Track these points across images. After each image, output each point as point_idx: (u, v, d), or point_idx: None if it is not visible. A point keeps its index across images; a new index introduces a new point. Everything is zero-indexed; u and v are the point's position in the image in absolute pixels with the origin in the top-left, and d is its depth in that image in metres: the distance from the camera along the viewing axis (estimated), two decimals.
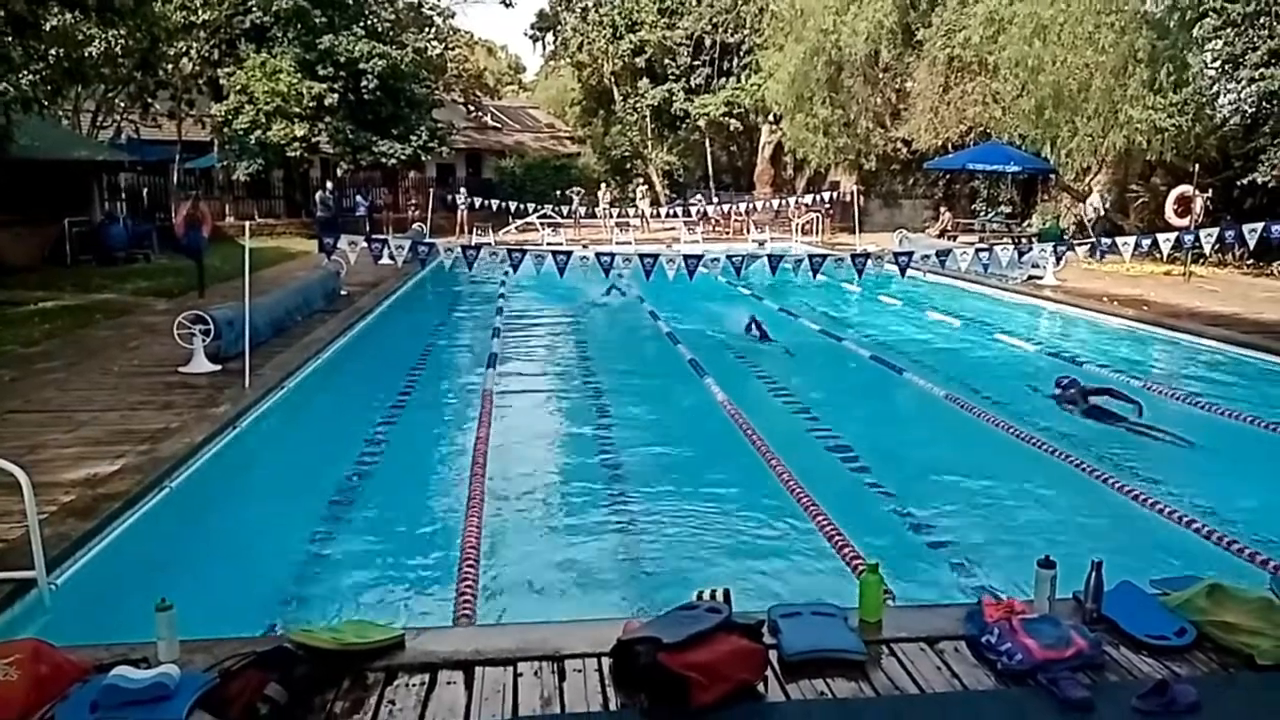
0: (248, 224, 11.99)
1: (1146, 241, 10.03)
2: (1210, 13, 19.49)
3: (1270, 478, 7.09)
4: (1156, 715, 3.11)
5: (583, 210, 30.90)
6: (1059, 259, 12.27)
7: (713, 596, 3.76)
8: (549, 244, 24.87)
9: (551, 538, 6.05)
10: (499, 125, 46.05)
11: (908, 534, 6.09)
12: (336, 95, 28.49)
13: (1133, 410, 8.35)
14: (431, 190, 29.53)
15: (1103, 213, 22.36)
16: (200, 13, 27.18)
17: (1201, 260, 19.04)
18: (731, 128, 36.58)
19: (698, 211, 29.88)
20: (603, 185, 36.33)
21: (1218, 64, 20.73)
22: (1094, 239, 10.13)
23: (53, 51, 15.90)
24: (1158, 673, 3.38)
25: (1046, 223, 24.59)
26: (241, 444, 7.69)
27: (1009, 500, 6.68)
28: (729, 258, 9.07)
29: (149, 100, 24.12)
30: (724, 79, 35.47)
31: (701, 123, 35.91)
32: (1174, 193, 20.19)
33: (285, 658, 3.30)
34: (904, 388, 10.17)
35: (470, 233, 28.78)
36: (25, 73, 15.67)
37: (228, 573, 5.43)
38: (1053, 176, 24.85)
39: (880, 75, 28.16)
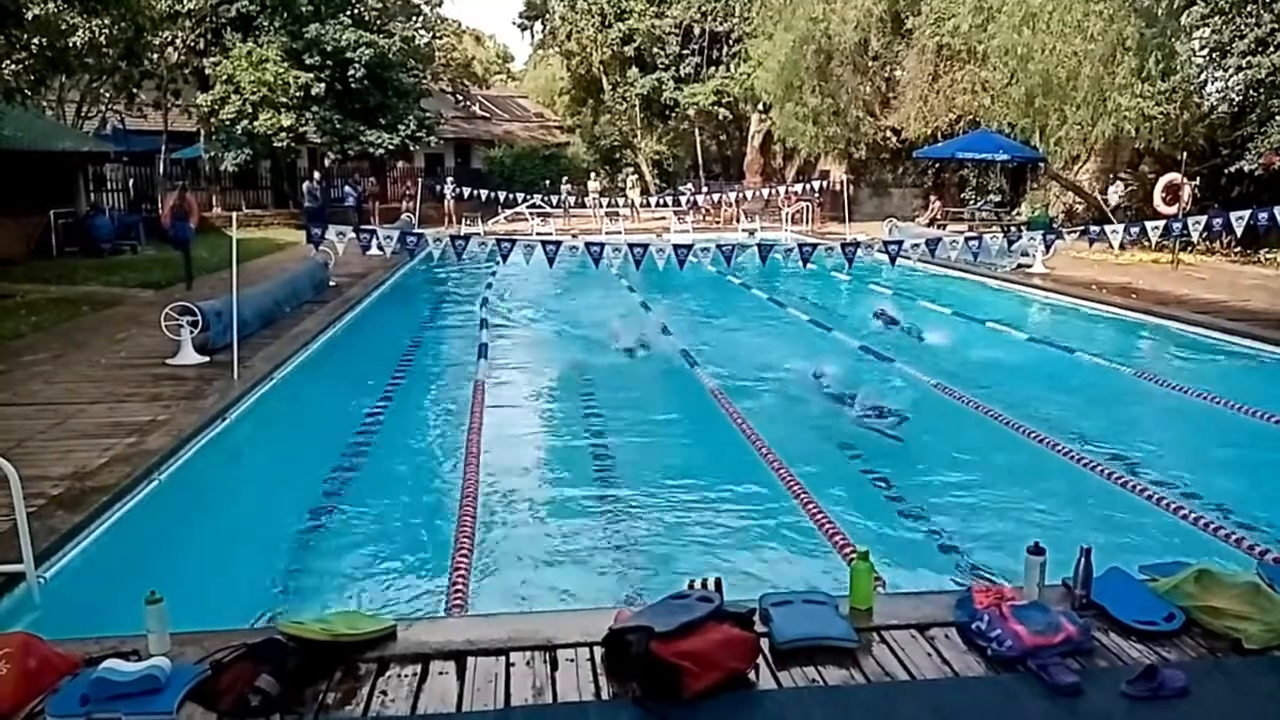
0: (235, 215, 11.89)
1: (1135, 229, 10.07)
2: (1198, 0, 19.52)
3: (1258, 464, 7.15)
4: (1145, 700, 3.13)
5: (572, 200, 30.83)
6: (1048, 247, 12.34)
7: (704, 585, 3.77)
8: (538, 234, 24.80)
9: (544, 527, 6.05)
10: (487, 115, 45.84)
11: (897, 519, 6.12)
12: (323, 85, 28.30)
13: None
14: (419, 180, 29.41)
15: (1125, 200, 22.33)
16: (185, 1, 26.95)
17: (1189, 248, 19.12)
18: (721, 117, 36.48)
19: (687, 201, 29.85)
20: (592, 175, 36.21)
21: (1205, 52, 20.77)
22: (1119, 226, 10.14)
23: (35, 41, 15.72)
24: (1146, 658, 3.41)
25: (1035, 211, 24.65)
26: (230, 436, 7.66)
27: (998, 486, 6.71)
28: (719, 247, 9.04)
29: (134, 90, 23.89)
30: (713, 68, 35.35)
31: (691, 112, 35.79)
32: (1162, 181, 20.26)
33: (276, 649, 3.29)
34: (894, 376, 10.20)
35: (459, 223, 28.69)
36: (8, 63, 15.51)
37: (218, 565, 5.42)
38: (1042, 165, 24.90)
39: (870, 64, 28.12)
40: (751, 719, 3.09)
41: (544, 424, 8.94)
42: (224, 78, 27.48)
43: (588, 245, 8.82)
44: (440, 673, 3.37)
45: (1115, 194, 22.73)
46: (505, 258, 8.95)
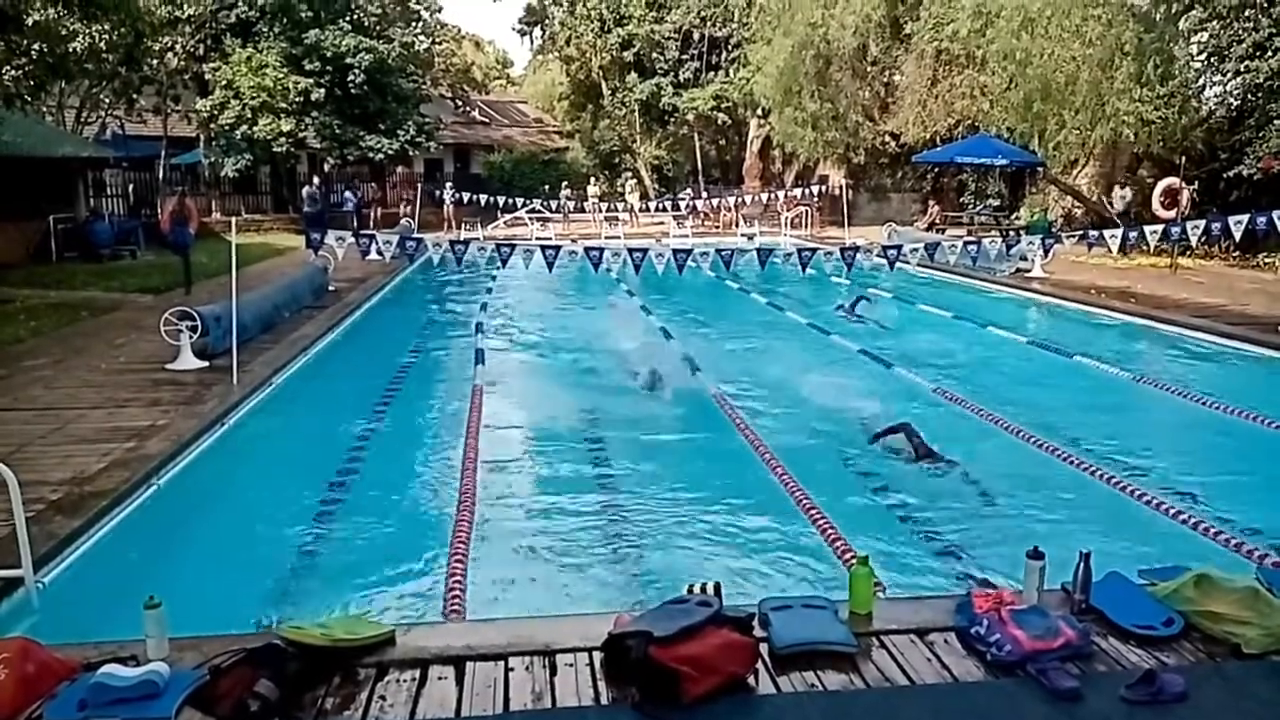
0: (234, 220, 11.89)
1: (1134, 234, 10.09)
2: (1196, 5, 19.57)
3: (1257, 468, 7.15)
4: (1144, 705, 3.13)
5: (571, 205, 30.86)
6: (1046, 251, 12.36)
7: (703, 590, 3.77)
8: (538, 239, 24.80)
9: (543, 530, 6.04)
10: (487, 120, 45.89)
11: (896, 523, 6.11)
12: (323, 90, 28.34)
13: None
14: (419, 185, 29.45)
15: (1129, 202, 22.32)
16: (185, 7, 26.97)
17: (1188, 252, 19.14)
18: (720, 122, 36.50)
19: (687, 206, 29.90)
20: (591, 179, 36.25)
21: (1204, 56, 20.83)
22: (1118, 231, 10.14)
23: (35, 47, 15.74)
24: (1145, 662, 3.41)
25: (1034, 215, 24.67)
26: (229, 441, 7.65)
27: (997, 490, 6.71)
28: (718, 252, 9.05)
29: (134, 96, 23.92)
30: (712, 73, 35.39)
31: (690, 117, 35.84)
32: (1161, 185, 20.29)
33: (276, 654, 3.29)
34: (893, 380, 10.20)
35: (458, 228, 28.72)
36: (8, 68, 15.54)
37: (216, 570, 5.41)
38: (1040, 169, 24.94)
39: (868, 69, 28.20)
40: None
41: (542, 428, 8.92)
42: (224, 83, 27.51)
43: (587, 250, 8.83)
44: (439, 678, 3.37)
45: (1120, 200, 22.74)
46: (505, 263, 8.95)
